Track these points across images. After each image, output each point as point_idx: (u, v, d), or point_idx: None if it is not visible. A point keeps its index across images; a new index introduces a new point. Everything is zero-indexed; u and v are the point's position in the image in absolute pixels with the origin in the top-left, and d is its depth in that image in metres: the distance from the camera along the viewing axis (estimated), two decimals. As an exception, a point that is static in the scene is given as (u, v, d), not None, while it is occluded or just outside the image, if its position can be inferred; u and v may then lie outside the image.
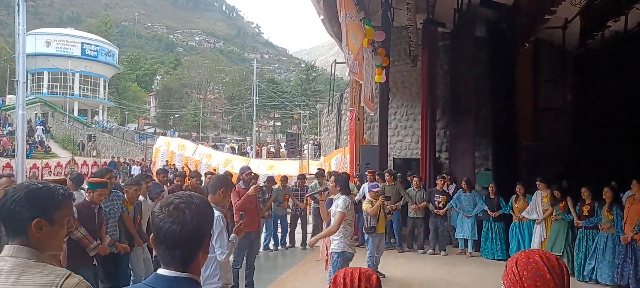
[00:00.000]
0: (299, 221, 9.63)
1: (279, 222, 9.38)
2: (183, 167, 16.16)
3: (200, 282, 1.36)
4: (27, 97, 17.08)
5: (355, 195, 8.03)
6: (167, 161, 19.27)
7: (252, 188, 5.78)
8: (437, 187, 8.75)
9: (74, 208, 3.41)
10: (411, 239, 8.92)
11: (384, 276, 6.61)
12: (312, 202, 9.48)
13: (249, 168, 6.73)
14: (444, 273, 7.26)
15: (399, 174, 10.07)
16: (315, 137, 35.63)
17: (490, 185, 8.54)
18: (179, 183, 6.86)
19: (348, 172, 9.81)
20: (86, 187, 4.98)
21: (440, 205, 8.54)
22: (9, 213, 1.43)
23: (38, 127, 35.25)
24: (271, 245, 9.24)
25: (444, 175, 9.10)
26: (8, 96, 39.24)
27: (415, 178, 9.10)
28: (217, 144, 40.57)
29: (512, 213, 8.11)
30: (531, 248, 7.69)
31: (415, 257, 8.37)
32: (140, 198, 5.54)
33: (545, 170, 9.01)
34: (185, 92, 64.18)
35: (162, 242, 1.28)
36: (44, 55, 44.08)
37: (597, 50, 9.53)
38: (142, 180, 5.80)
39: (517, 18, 8.63)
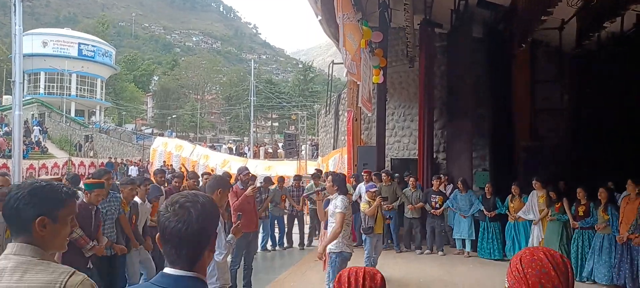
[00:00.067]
0: (296, 221, 9.63)
1: (276, 222, 9.38)
2: (180, 168, 16.14)
3: (206, 281, 1.36)
4: (23, 98, 17.01)
5: (352, 196, 8.05)
6: (164, 162, 19.23)
7: (249, 188, 5.78)
8: (433, 188, 8.78)
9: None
10: (408, 239, 8.94)
11: (381, 276, 6.60)
12: (309, 203, 9.49)
13: (246, 168, 6.72)
14: (441, 273, 7.27)
15: (396, 175, 10.09)
16: (313, 137, 35.65)
17: (487, 185, 8.57)
18: (176, 184, 6.83)
19: (345, 173, 9.83)
20: (83, 187, 4.97)
21: (437, 205, 8.57)
22: (12, 211, 1.44)
23: (35, 127, 35.11)
24: (269, 246, 9.23)
25: (440, 176, 9.12)
26: (5, 96, 39.08)
27: (411, 179, 9.13)
28: (214, 144, 40.56)
29: (508, 213, 8.14)
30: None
31: (413, 257, 8.38)
32: (138, 200, 5.51)
33: (543, 171, 9.04)
34: (183, 92, 64.09)
35: (168, 240, 1.29)
36: (41, 56, 43.95)
37: (594, 51, 9.57)
38: (141, 182, 5.76)
39: (514, 19, 8.65)
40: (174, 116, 56.96)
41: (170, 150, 20.16)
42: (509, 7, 8.92)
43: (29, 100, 38.97)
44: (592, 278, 6.63)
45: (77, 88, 48.82)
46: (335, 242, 4.66)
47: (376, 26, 9.95)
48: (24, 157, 18.92)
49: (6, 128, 31.47)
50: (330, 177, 4.86)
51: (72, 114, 44.69)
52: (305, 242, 9.63)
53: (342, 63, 8.82)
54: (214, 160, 19.20)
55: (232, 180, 7.77)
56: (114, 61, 54.74)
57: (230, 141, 48.76)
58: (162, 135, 37.27)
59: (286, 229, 9.52)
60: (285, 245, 9.49)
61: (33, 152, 29.10)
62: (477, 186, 9.93)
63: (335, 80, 31.74)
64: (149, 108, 66.89)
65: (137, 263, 5.32)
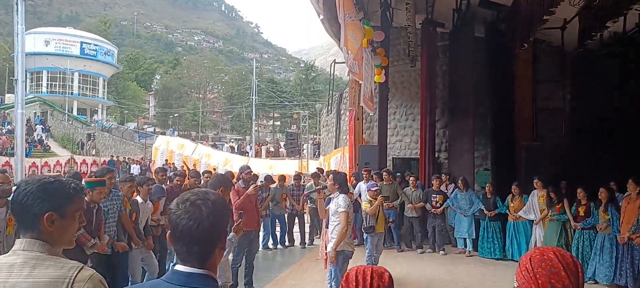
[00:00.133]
0: (297, 220, 9.65)
1: (277, 221, 9.40)
2: (182, 166, 16.16)
3: (217, 278, 1.37)
4: (26, 96, 17.06)
5: (353, 195, 8.06)
6: (166, 160, 19.27)
7: (251, 187, 5.78)
8: (433, 187, 8.80)
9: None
10: (409, 238, 8.95)
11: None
12: (309, 202, 9.51)
13: (248, 167, 6.73)
14: (443, 272, 7.28)
15: (398, 174, 10.10)
16: (315, 136, 35.65)
17: (487, 184, 8.58)
18: (178, 182, 6.85)
19: (347, 172, 9.83)
20: (84, 185, 4.98)
21: (438, 204, 8.59)
22: (21, 206, 1.44)
23: (37, 126, 35.21)
24: (270, 244, 9.25)
25: (438, 175, 9.13)
26: (7, 95, 39.20)
27: (411, 178, 9.14)
28: (216, 143, 40.58)
29: (508, 212, 8.15)
30: (530, 248, 7.73)
31: (414, 257, 8.39)
32: (139, 199, 5.52)
33: (544, 170, 9.03)
34: (185, 91, 64.12)
35: (179, 238, 1.30)
36: (43, 55, 44.01)
37: (596, 50, 9.55)
38: (144, 182, 5.77)
39: (516, 18, 8.64)
40: (176, 115, 57.02)
41: (172, 149, 20.20)
42: (511, 6, 8.91)
43: (32, 98, 39.08)
44: (594, 277, 6.63)
45: (79, 87, 48.93)
46: (336, 240, 4.67)
47: (378, 25, 9.94)
48: (26, 155, 18.96)
49: (9, 126, 31.56)
50: (331, 176, 4.87)
51: (75, 113, 44.83)
52: (306, 240, 9.65)
53: (344, 62, 8.84)
54: (215, 159, 19.24)
55: (235, 179, 7.79)
56: (116, 60, 54.85)
57: (232, 140, 48.82)
58: (164, 134, 37.32)
59: (287, 228, 9.54)
60: (287, 243, 9.51)
61: (35, 151, 29.20)
62: (478, 185, 9.93)
63: (337, 80, 31.75)
64: (151, 107, 67.01)
65: (139, 261, 5.34)
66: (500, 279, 6.78)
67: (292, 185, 9.89)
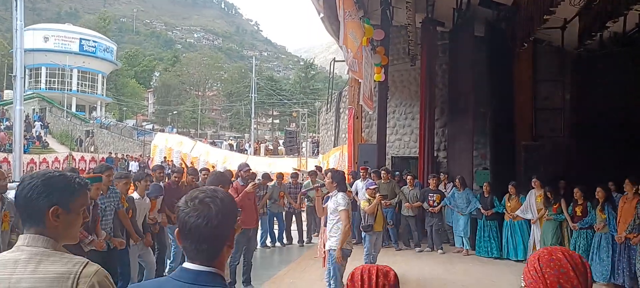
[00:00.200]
0: (294, 218, 9.64)
1: (275, 219, 9.39)
2: (181, 164, 16.15)
3: (224, 276, 1.37)
4: (24, 93, 17.04)
5: (351, 192, 8.06)
6: (165, 157, 19.25)
7: (250, 185, 5.77)
8: (430, 187, 8.81)
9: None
10: (407, 237, 8.96)
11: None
12: (306, 200, 9.51)
13: (247, 165, 6.71)
14: (441, 271, 7.28)
15: (397, 172, 10.09)
16: (314, 134, 35.63)
17: (485, 184, 8.58)
18: (176, 179, 6.83)
19: (345, 170, 9.82)
20: (88, 180, 4.94)
21: (435, 203, 8.61)
22: (26, 201, 1.42)
23: (36, 122, 35.15)
24: (268, 242, 9.24)
25: (435, 175, 9.14)
26: (6, 91, 39.09)
27: (409, 177, 9.14)
28: (215, 140, 40.51)
29: (505, 212, 8.16)
30: (528, 247, 7.75)
31: (412, 255, 8.39)
32: (136, 196, 5.49)
33: (544, 170, 9.03)
34: (184, 88, 64.08)
35: (188, 236, 1.29)
36: (42, 51, 43.94)
37: (596, 50, 9.55)
38: (141, 178, 5.74)
39: (516, 18, 8.63)
40: (174, 112, 56.99)
41: (170, 146, 20.18)
42: (512, 6, 8.90)
43: (30, 95, 39.01)
44: (593, 277, 6.63)
45: (78, 83, 48.82)
46: (334, 239, 4.66)
47: (378, 24, 9.93)
48: (24, 152, 18.95)
49: (7, 122, 31.50)
50: (329, 174, 4.86)
51: (73, 109, 44.75)
52: (305, 239, 9.64)
53: (343, 61, 8.83)
54: (214, 157, 19.23)
55: (233, 177, 7.77)
56: (115, 57, 54.74)
57: (230, 138, 48.78)
58: (162, 131, 37.33)
59: (285, 226, 9.53)
60: (285, 241, 9.50)
61: (34, 147, 29.16)
62: (477, 185, 9.92)
63: (337, 78, 31.75)
64: (150, 104, 66.92)
65: (136, 257, 5.32)
66: (498, 279, 6.78)
67: (290, 182, 9.89)
